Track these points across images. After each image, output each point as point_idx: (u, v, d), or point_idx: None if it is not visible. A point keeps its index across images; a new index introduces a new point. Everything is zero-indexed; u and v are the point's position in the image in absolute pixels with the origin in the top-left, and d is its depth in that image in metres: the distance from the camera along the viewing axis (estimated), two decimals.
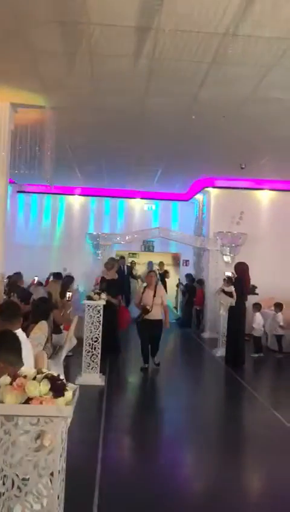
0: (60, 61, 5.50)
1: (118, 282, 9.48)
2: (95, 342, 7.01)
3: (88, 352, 7.01)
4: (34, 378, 2.11)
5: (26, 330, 4.91)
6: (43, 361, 3.83)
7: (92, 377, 6.94)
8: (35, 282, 9.84)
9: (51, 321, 5.60)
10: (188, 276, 13.61)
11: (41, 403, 2.05)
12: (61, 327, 6.86)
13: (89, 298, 7.19)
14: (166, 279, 13.88)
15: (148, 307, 7.63)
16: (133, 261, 14.65)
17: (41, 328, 4.95)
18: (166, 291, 14.19)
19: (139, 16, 4.41)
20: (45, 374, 2.12)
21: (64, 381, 2.13)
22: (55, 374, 2.14)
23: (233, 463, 4.61)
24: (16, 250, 13.35)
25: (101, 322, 7.06)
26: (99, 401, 6.23)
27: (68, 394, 2.11)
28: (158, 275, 13.71)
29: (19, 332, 3.37)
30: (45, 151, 7.24)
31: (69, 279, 8.61)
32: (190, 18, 4.41)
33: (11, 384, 2.10)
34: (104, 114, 7.39)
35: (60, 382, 2.10)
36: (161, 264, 14.49)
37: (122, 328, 9.57)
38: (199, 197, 13.70)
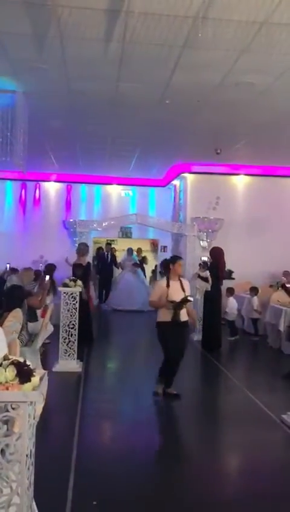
0: (29, 44, 5.39)
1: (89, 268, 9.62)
2: (72, 328, 7.04)
3: (65, 339, 7.03)
4: (0, 365, 2.11)
5: (0, 319, 4.89)
6: (16, 349, 3.81)
7: (70, 363, 6.97)
8: (7, 269, 9.80)
9: (25, 309, 5.58)
10: None
11: (7, 388, 2.05)
12: (38, 314, 6.84)
13: (65, 285, 7.19)
14: (144, 265, 13.91)
15: (190, 298, 5.70)
16: (113, 247, 14.54)
17: (16, 316, 4.93)
18: (145, 277, 14.30)
19: None
20: (11, 360, 2.12)
21: (30, 367, 2.14)
22: (22, 360, 2.14)
23: (210, 443, 4.70)
24: None
25: (78, 309, 7.09)
26: (76, 387, 6.25)
27: (35, 379, 2.11)
28: (137, 261, 13.82)
29: None
30: (17, 137, 7.13)
31: (52, 266, 9.18)
32: (160, 1, 4.37)
33: None
34: (77, 99, 7.30)
35: (26, 368, 2.11)
36: (139, 250, 14.47)
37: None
38: (175, 182, 13.71)
